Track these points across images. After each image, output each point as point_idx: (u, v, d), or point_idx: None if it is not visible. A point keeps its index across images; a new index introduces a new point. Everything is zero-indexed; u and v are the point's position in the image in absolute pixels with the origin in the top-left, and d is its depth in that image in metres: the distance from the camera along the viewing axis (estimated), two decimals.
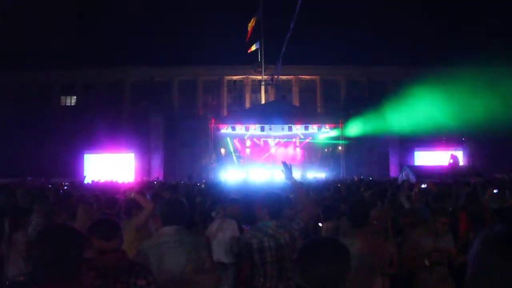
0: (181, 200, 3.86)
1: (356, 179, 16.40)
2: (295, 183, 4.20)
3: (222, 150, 26.93)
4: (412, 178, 17.15)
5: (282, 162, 4.31)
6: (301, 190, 4.24)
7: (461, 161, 24.73)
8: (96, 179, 18.85)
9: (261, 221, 3.85)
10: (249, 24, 29.05)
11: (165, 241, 3.36)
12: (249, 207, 5.46)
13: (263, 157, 26.92)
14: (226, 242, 5.30)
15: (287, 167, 4.18)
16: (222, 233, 5.36)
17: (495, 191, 7.85)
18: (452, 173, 17.23)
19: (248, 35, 29.46)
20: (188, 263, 3.25)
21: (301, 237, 3.90)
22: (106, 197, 7.13)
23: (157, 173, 27.73)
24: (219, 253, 5.33)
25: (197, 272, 3.27)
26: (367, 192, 7.90)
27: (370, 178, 18.12)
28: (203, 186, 12.22)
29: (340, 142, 26.41)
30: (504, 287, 1.28)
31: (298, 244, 3.70)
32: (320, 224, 5.95)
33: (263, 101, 33.34)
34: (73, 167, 27.60)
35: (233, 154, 27.05)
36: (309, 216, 4.12)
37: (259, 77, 32.64)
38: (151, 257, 3.26)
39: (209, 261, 3.45)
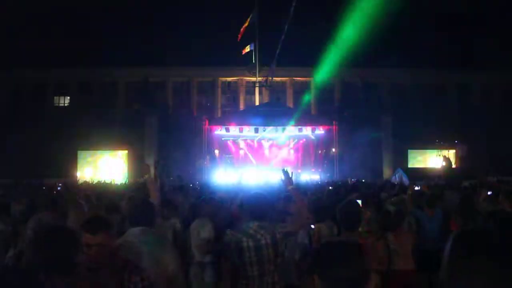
0: (148, 201, 3.85)
1: (349, 182, 16.39)
2: (294, 190, 4.15)
3: (216, 152, 26.89)
4: (405, 180, 17.23)
5: (282, 169, 4.26)
6: (300, 197, 4.20)
7: (454, 163, 24.86)
8: (89, 179, 18.76)
9: (245, 222, 3.83)
10: (243, 26, 29.06)
11: (131, 241, 3.34)
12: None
13: (257, 159, 26.91)
14: (200, 242, 5.35)
15: (287, 175, 4.13)
16: (197, 233, 5.41)
17: (489, 193, 7.89)
18: (445, 175, 17.32)
19: (240, 35, 29.46)
20: (151, 263, 3.23)
21: (287, 240, 3.86)
22: (107, 201, 7.06)
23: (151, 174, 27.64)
24: (195, 252, 5.37)
25: (162, 274, 3.24)
26: (353, 195, 7.91)
27: (363, 180, 18.15)
28: (198, 188, 12.19)
29: (334, 143, 26.45)
30: (468, 283, 1.30)
31: (281, 248, 3.69)
32: (312, 226, 5.95)
33: (257, 103, 33.39)
34: (67, 167, 27.50)
35: (227, 155, 27.05)
36: (302, 221, 4.10)
37: (253, 79, 32.64)
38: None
39: (173, 265, 3.38)
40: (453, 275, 1.34)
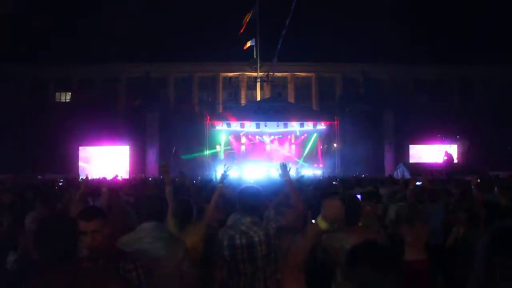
0: (161, 196, 3.83)
1: (353, 177, 16.31)
2: (288, 181, 4.18)
3: (218, 147, 26.87)
4: (407, 175, 17.18)
5: (280, 163, 4.32)
6: (294, 188, 4.20)
7: (456, 158, 24.80)
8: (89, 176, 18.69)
9: (238, 217, 3.75)
10: (244, 19, 28.98)
11: (142, 236, 3.34)
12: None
13: (258, 154, 26.89)
14: None
15: (284, 167, 4.21)
16: None
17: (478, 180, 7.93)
18: (447, 170, 17.30)
19: (242, 29, 29.38)
20: (164, 259, 3.23)
21: (283, 235, 3.78)
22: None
23: (153, 169, 27.66)
24: None
25: (174, 271, 3.25)
26: (358, 189, 7.90)
27: (363, 176, 18.12)
28: (195, 182, 12.13)
29: (336, 139, 26.43)
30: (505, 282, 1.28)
31: (275, 242, 3.62)
32: (313, 221, 5.92)
33: (258, 98, 33.31)
34: (68, 163, 27.54)
35: (228, 150, 27.04)
36: (297, 214, 4.06)
37: (255, 74, 32.60)
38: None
39: (187, 262, 3.38)
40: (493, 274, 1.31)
